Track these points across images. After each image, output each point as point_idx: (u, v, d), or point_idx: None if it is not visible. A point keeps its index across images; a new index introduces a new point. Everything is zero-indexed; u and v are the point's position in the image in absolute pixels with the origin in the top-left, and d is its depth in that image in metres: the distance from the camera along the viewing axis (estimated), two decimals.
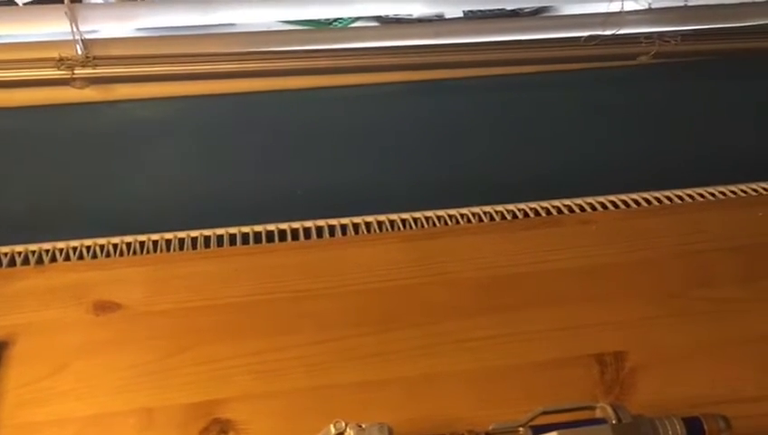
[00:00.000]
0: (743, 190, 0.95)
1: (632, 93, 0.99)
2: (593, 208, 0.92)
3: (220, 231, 0.89)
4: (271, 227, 0.90)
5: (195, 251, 0.86)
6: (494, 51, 0.90)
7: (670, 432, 0.56)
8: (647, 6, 0.99)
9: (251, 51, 0.86)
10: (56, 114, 0.87)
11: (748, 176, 0.97)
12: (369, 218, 0.91)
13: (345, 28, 1.01)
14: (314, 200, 0.97)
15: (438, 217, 0.91)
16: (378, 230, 0.89)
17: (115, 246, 0.87)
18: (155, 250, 0.86)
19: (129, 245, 0.87)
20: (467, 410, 0.64)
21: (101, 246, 0.86)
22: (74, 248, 0.86)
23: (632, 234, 0.84)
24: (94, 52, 0.82)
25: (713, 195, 0.94)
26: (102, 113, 0.88)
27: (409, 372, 0.68)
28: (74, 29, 0.81)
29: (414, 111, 0.96)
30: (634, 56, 0.92)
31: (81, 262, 0.84)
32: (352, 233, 0.89)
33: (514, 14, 1.03)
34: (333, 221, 0.91)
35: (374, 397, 0.66)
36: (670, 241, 0.83)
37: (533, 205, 0.93)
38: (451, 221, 0.91)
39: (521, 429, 0.57)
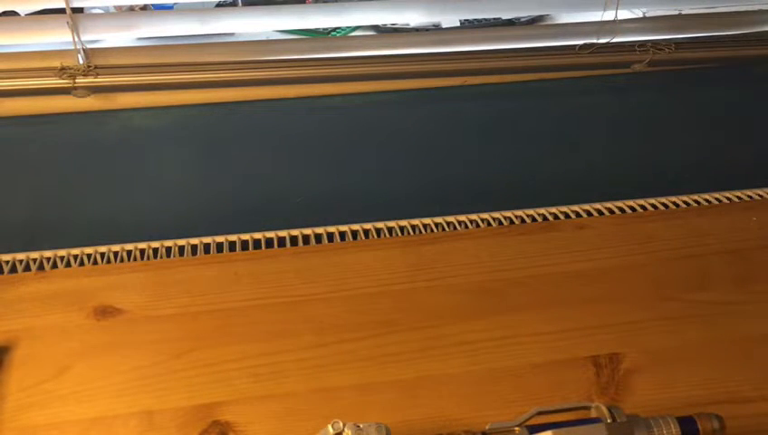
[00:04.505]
0: (737, 196, 0.96)
1: (626, 101, 1.00)
2: (589, 214, 0.93)
3: (220, 239, 0.90)
4: (270, 234, 0.90)
5: (195, 257, 0.87)
6: (490, 59, 0.91)
7: (665, 431, 0.57)
8: (641, 15, 1.00)
9: (250, 60, 0.87)
10: (58, 123, 0.88)
11: (741, 182, 0.98)
12: (368, 226, 0.92)
13: (344, 37, 1.02)
14: (314, 208, 0.98)
15: (436, 224, 0.92)
16: (376, 237, 0.90)
17: (116, 253, 0.87)
18: (155, 257, 0.87)
19: (129, 252, 0.87)
20: (464, 412, 0.65)
21: (102, 254, 0.87)
22: (75, 256, 0.86)
23: (627, 238, 0.85)
24: (95, 61, 0.83)
25: (707, 201, 0.95)
26: (103, 122, 0.89)
27: (407, 375, 0.69)
28: (76, 39, 0.82)
29: (412, 119, 0.97)
30: (628, 64, 0.93)
31: (81, 268, 0.84)
32: (351, 240, 0.89)
33: (510, 23, 1.04)
34: (332, 229, 0.91)
35: (372, 399, 0.66)
36: (665, 245, 0.84)
37: (530, 211, 0.94)
38: (449, 227, 0.92)
39: (516, 428, 0.57)
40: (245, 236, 0.90)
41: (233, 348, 0.71)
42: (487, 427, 0.58)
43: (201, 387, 0.67)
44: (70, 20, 0.81)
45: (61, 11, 0.81)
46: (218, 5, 1.03)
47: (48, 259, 0.85)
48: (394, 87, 0.92)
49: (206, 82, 0.86)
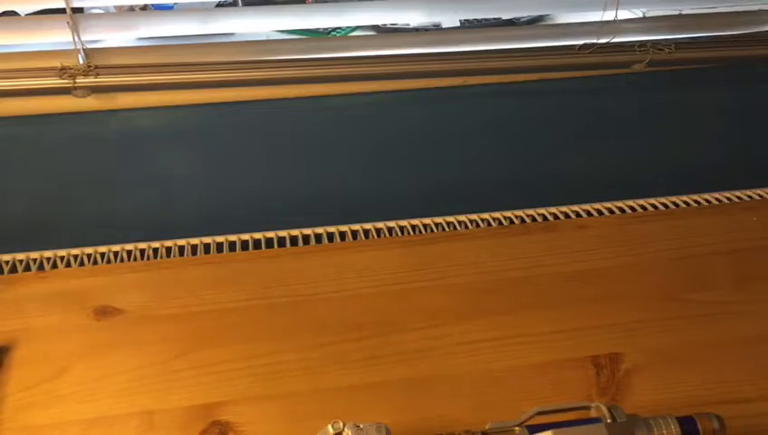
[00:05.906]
0: (737, 196, 0.96)
1: (627, 101, 1.00)
2: (589, 214, 0.93)
3: (220, 239, 0.90)
4: (270, 234, 0.90)
5: (195, 257, 0.87)
6: (490, 59, 0.91)
7: (664, 431, 0.57)
8: (641, 15, 1.00)
9: (250, 60, 0.87)
10: (58, 123, 0.88)
11: (741, 182, 0.98)
12: (368, 226, 0.92)
13: (344, 37, 1.02)
14: (314, 208, 0.98)
15: (436, 224, 0.92)
16: (376, 237, 0.90)
17: (116, 253, 0.87)
18: (155, 257, 0.87)
19: (129, 252, 0.87)
20: (465, 412, 0.65)
21: (102, 254, 0.87)
22: (75, 256, 0.86)
23: (627, 238, 0.85)
24: (96, 61, 0.83)
25: (707, 201, 0.95)
26: (103, 122, 0.89)
27: (408, 375, 0.68)
28: (76, 39, 0.82)
29: (412, 119, 0.97)
30: (628, 64, 0.93)
31: (81, 268, 0.84)
32: (351, 240, 0.89)
33: (511, 23, 1.04)
34: (332, 229, 0.91)
35: (373, 399, 0.66)
36: (665, 245, 0.84)
37: (530, 211, 0.94)
38: (449, 227, 0.92)
39: (516, 428, 0.57)
40: (245, 236, 0.90)
41: (233, 348, 0.71)
42: (487, 427, 0.58)
43: (201, 387, 0.67)
44: (70, 20, 0.81)
45: (61, 11, 0.81)
46: (218, 5, 1.04)
47: (48, 259, 0.85)
48: (394, 87, 0.92)
49: (206, 82, 0.86)
